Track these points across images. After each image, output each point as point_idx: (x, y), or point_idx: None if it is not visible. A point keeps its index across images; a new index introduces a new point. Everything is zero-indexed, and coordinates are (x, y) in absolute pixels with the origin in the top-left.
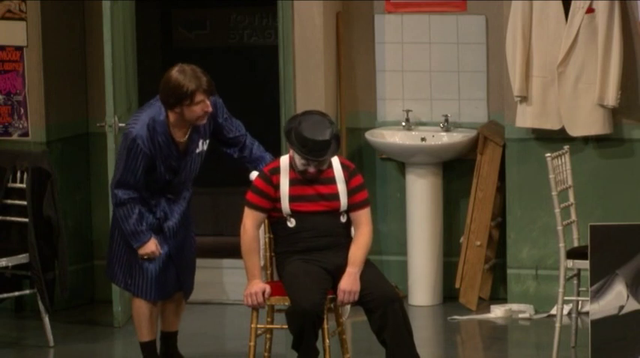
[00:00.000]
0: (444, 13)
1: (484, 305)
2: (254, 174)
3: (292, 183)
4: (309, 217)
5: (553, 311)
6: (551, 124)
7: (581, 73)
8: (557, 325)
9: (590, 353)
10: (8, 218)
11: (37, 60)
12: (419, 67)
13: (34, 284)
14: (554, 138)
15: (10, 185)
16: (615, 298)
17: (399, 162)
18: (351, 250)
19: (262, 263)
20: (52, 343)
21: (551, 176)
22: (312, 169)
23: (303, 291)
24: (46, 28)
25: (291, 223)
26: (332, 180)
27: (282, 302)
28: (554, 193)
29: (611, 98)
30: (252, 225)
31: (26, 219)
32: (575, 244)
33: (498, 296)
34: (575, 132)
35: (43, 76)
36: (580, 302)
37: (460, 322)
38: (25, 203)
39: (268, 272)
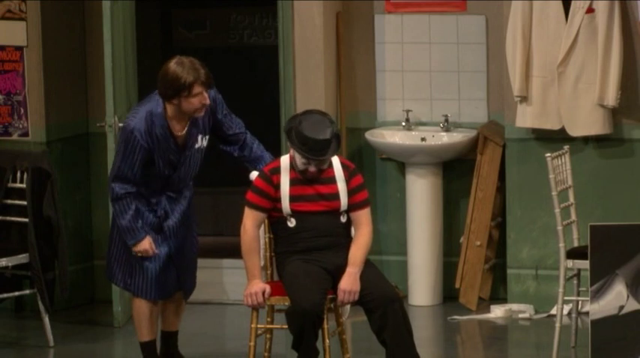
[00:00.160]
0: (444, 13)
1: (484, 305)
2: (254, 174)
3: (293, 182)
4: (309, 217)
5: (553, 311)
6: (551, 124)
7: (581, 73)
8: (557, 325)
9: (590, 353)
10: (8, 218)
11: (37, 60)
12: (419, 67)
13: (34, 284)
14: (554, 138)
15: (10, 185)
16: (615, 298)
17: (399, 162)
18: (351, 250)
19: (262, 263)
20: (52, 343)
21: (551, 176)
22: (312, 169)
23: (303, 291)
24: (46, 28)
25: (292, 223)
26: (332, 180)
27: (282, 302)
28: (554, 193)
29: (611, 98)
30: (252, 225)
31: (26, 219)
32: (575, 244)
33: (498, 296)
34: (575, 132)
35: (43, 76)
36: (580, 302)
37: (460, 322)
38: (25, 203)
39: (268, 272)
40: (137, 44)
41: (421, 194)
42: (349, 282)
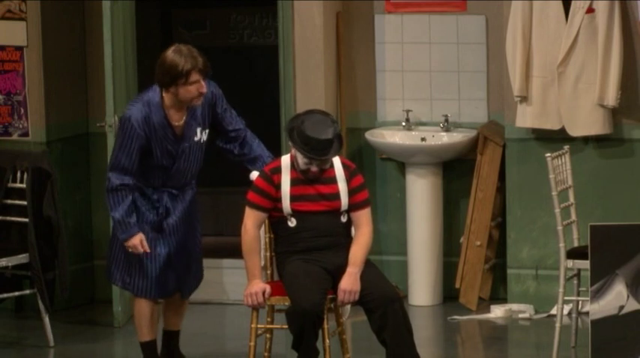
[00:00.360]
0: (444, 13)
1: (484, 305)
2: (254, 174)
3: (293, 182)
4: (309, 217)
5: (553, 311)
6: (551, 124)
7: (581, 73)
8: (557, 325)
9: (590, 353)
10: (8, 218)
11: (37, 60)
12: (419, 67)
13: (34, 284)
14: (554, 138)
15: (10, 185)
16: (615, 298)
17: (399, 162)
18: (352, 250)
19: (262, 263)
20: (52, 343)
21: (551, 176)
22: (314, 168)
23: (303, 291)
24: (46, 28)
25: (292, 223)
26: (333, 180)
27: (282, 302)
28: (554, 193)
29: (611, 98)
30: (252, 225)
31: (26, 219)
32: (575, 244)
33: (498, 296)
34: (575, 132)
35: (43, 76)
36: (580, 302)
37: (460, 322)
38: (25, 203)
39: (268, 272)
40: (137, 44)
41: (421, 194)
42: (349, 282)
